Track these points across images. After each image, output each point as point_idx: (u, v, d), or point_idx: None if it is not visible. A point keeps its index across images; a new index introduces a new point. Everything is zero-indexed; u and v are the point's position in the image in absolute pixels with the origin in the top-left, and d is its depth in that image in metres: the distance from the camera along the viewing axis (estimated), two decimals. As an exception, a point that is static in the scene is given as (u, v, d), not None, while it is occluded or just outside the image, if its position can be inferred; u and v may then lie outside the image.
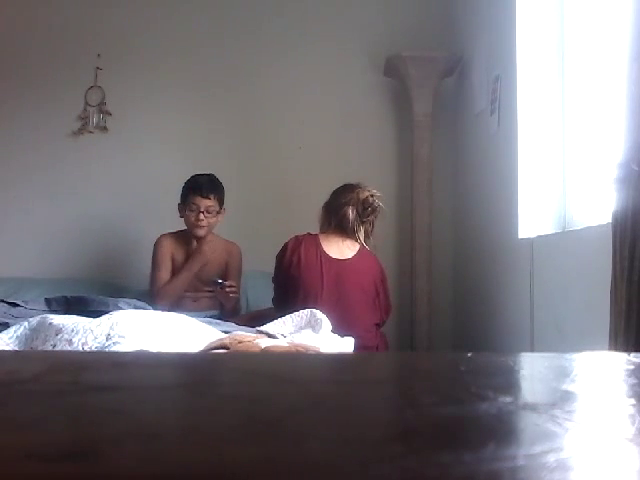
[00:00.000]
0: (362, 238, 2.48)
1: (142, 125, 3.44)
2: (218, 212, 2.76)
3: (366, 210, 2.48)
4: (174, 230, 2.85)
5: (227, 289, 2.65)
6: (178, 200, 2.78)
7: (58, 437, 0.35)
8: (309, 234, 2.49)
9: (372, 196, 2.49)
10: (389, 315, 2.60)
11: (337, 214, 2.49)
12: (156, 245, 2.80)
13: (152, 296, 2.67)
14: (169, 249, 2.79)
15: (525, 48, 2.41)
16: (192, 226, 2.73)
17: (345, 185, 2.55)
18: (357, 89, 3.46)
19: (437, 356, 1.20)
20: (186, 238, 2.79)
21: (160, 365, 0.67)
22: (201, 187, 2.70)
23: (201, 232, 2.73)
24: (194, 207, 2.70)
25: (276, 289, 2.52)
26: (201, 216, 2.70)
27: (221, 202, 2.77)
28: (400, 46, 3.19)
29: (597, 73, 2.12)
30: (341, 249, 2.45)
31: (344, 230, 2.47)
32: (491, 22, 2.77)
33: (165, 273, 2.76)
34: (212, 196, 2.71)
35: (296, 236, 2.49)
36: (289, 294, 2.41)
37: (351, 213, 2.47)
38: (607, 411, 0.45)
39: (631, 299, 1.40)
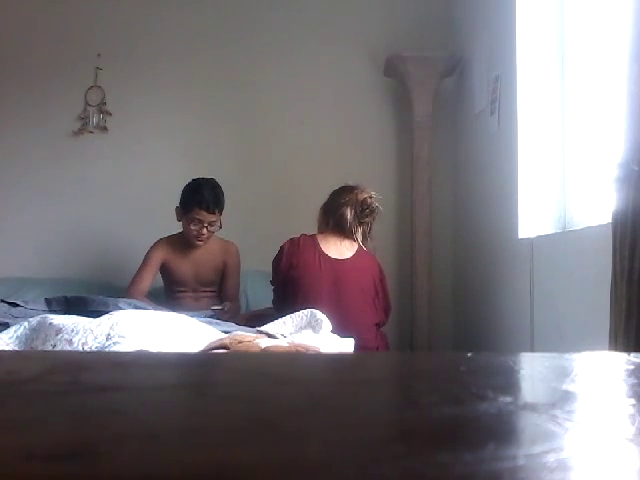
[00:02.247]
0: (360, 239, 2.48)
1: (142, 125, 3.44)
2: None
3: (364, 211, 2.48)
4: (173, 232, 2.84)
5: (225, 312, 2.62)
6: (178, 200, 2.77)
7: (58, 437, 0.35)
8: (305, 235, 2.48)
9: (371, 197, 2.49)
10: (389, 315, 2.59)
11: (335, 214, 2.49)
12: (149, 249, 2.80)
13: (126, 293, 2.68)
14: (161, 256, 2.78)
15: (525, 48, 2.41)
16: (193, 238, 2.71)
17: (344, 187, 2.56)
18: (357, 89, 3.46)
19: (437, 356, 1.20)
20: (183, 241, 2.78)
21: (160, 365, 0.67)
22: (207, 202, 2.62)
23: (201, 244, 2.74)
24: (197, 221, 2.66)
25: (275, 292, 2.52)
26: (204, 230, 2.67)
27: (222, 212, 2.74)
28: (400, 46, 3.19)
29: (597, 73, 2.12)
30: (339, 249, 2.44)
31: (342, 230, 2.47)
32: (491, 22, 2.77)
33: (146, 279, 2.77)
34: (216, 210, 2.67)
35: (291, 239, 2.48)
36: (288, 296, 2.41)
37: (349, 213, 2.47)
38: (607, 411, 0.45)
39: (631, 299, 1.40)
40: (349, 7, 3.48)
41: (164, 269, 2.81)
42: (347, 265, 2.41)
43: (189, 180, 2.80)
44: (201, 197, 2.63)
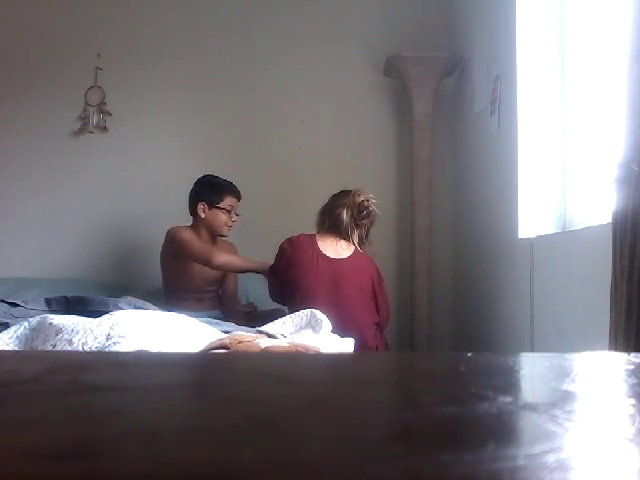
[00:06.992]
0: (356, 241, 2.49)
1: (142, 125, 3.44)
2: None
3: (361, 213, 2.49)
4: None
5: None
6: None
7: (58, 437, 0.35)
8: (304, 234, 2.49)
9: (367, 200, 2.50)
10: (389, 318, 2.59)
11: (332, 215, 2.51)
12: (177, 233, 2.73)
13: (209, 262, 2.63)
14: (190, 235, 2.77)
15: (525, 48, 2.41)
16: (224, 227, 2.80)
17: (342, 190, 2.57)
18: (357, 89, 3.46)
19: (437, 356, 1.20)
20: (196, 234, 2.78)
21: (160, 365, 0.67)
22: (237, 190, 2.82)
23: (228, 232, 2.83)
24: (230, 208, 2.80)
25: (271, 287, 2.53)
26: (235, 217, 2.82)
27: None
28: (400, 46, 3.19)
29: (597, 73, 2.12)
30: (336, 249, 2.45)
31: (338, 230, 2.48)
32: (491, 22, 2.77)
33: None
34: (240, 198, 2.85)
35: (289, 238, 2.49)
36: (287, 296, 2.41)
37: (345, 214, 2.48)
38: (607, 411, 0.45)
39: (631, 299, 1.40)
40: (349, 7, 3.48)
41: (175, 262, 2.78)
42: (345, 264, 2.42)
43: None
44: (231, 186, 2.82)
